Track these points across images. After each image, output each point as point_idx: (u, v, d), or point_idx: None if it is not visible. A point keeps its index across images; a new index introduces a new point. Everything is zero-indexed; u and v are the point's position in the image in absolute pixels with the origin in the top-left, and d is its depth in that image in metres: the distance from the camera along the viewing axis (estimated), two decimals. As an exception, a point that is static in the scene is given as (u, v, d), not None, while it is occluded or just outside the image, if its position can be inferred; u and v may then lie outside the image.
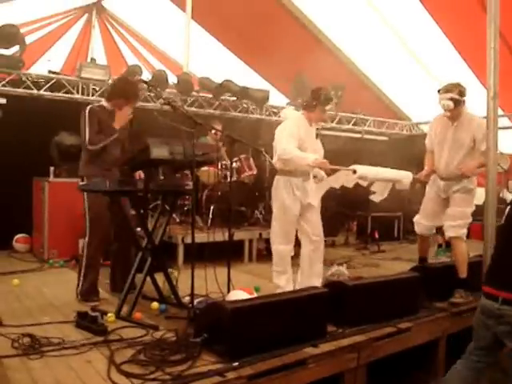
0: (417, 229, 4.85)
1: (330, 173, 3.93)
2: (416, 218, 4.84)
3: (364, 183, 4.13)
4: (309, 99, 4.29)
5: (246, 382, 2.81)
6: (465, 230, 4.49)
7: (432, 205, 4.68)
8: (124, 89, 4.38)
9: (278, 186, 4.30)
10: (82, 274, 4.27)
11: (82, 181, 4.24)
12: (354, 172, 3.76)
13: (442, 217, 4.59)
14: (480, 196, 4.91)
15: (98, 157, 4.22)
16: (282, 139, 4.18)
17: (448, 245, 6.16)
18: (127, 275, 3.96)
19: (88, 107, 4.25)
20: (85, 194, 4.17)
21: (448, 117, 4.47)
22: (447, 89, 4.36)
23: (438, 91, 4.42)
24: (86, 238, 4.24)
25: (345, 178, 4.47)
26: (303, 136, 4.21)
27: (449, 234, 4.52)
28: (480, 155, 4.37)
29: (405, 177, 4.09)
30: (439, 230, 4.98)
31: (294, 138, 4.13)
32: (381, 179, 4.00)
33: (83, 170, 4.31)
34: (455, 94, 4.32)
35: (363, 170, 3.85)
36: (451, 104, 4.31)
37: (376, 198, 4.16)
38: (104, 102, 4.41)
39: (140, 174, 4.33)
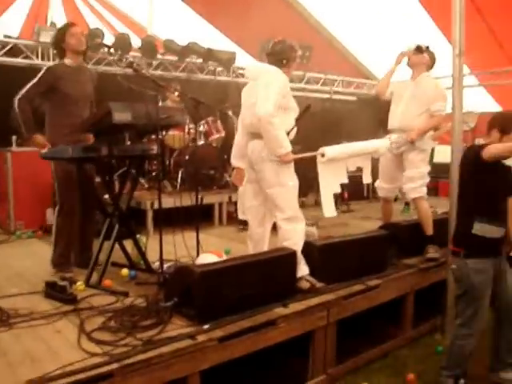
0: (380, 193, 4.96)
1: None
2: (377, 183, 4.94)
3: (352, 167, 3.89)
4: (281, 55, 3.70)
5: (217, 344, 2.83)
6: (425, 189, 4.60)
7: (389, 165, 4.76)
8: (53, 39, 4.23)
9: None
10: (53, 243, 4.20)
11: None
12: (323, 155, 3.66)
13: (400, 176, 4.68)
14: (448, 154, 4.98)
15: (59, 119, 4.06)
16: (268, 96, 3.47)
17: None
18: (89, 244, 3.90)
19: (48, 65, 4.12)
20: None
21: (411, 72, 4.69)
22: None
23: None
24: (57, 206, 4.15)
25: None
26: (290, 95, 3.69)
27: (411, 195, 4.62)
28: (430, 116, 4.53)
29: (381, 146, 4.03)
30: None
31: (282, 100, 3.56)
32: (354, 155, 3.87)
33: (47, 136, 4.10)
34: (422, 45, 4.59)
35: (331, 151, 3.69)
36: (413, 46, 4.59)
37: (366, 179, 4.04)
38: (65, 60, 4.13)
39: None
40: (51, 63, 6.49)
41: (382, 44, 8.58)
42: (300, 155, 3.67)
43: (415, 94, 4.57)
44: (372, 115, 5.92)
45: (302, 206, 7.40)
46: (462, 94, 4.20)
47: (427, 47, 4.67)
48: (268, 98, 3.47)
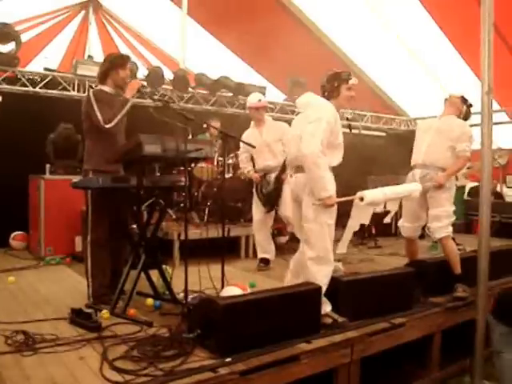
0: (403, 232, 4.89)
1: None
2: (400, 222, 4.89)
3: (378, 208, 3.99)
4: (327, 85, 3.65)
5: (239, 377, 2.80)
6: (451, 228, 4.52)
7: (413, 203, 4.65)
8: (105, 62, 4.12)
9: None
10: (90, 275, 4.02)
11: (86, 175, 4.00)
12: (362, 199, 3.63)
13: (424, 215, 4.64)
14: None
15: (103, 147, 3.93)
16: (315, 133, 3.40)
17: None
18: (120, 273, 3.96)
19: (91, 90, 4.05)
20: None
21: (442, 110, 4.75)
22: None
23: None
24: (89, 237, 4.02)
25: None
26: (340, 130, 3.60)
27: (437, 235, 4.53)
28: (456, 157, 4.52)
29: (414, 190, 4.03)
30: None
31: (330, 137, 3.49)
32: (390, 199, 3.88)
33: (88, 163, 4.01)
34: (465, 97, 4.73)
35: (371, 195, 3.65)
36: (459, 94, 4.72)
37: (386, 218, 4.12)
38: (104, 87, 4.07)
39: None
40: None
41: (411, 79, 8.65)
42: (340, 199, 3.61)
43: (441, 130, 4.56)
44: (400, 151, 5.90)
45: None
46: (492, 132, 4.16)
47: (471, 104, 4.72)
48: (315, 136, 3.38)
